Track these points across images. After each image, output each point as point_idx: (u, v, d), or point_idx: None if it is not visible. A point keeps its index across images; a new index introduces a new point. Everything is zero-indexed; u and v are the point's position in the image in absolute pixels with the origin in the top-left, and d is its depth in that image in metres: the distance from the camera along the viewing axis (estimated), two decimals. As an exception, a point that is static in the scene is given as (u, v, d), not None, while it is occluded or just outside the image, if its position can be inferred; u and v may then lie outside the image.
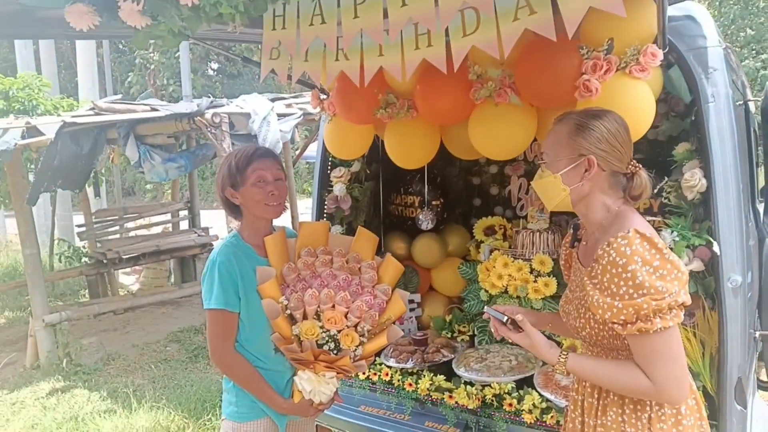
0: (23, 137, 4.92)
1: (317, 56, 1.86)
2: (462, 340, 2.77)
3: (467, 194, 3.33)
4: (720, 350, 1.84)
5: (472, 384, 2.36)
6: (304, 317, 1.96)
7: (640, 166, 1.49)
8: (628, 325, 1.32)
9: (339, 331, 1.94)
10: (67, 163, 4.83)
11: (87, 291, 7.82)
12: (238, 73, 21.46)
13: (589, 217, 1.51)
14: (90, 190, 7.46)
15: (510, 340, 1.58)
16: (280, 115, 4.47)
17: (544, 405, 2.17)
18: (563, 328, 1.71)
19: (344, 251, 2.14)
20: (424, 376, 2.47)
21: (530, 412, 2.18)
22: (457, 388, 2.37)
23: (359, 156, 2.48)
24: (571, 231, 1.75)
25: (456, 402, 2.34)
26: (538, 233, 2.66)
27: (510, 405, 2.24)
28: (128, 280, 9.11)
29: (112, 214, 8.26)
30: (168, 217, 8.87)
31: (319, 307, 1.97)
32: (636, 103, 1.74)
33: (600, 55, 1.72)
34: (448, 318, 2.88)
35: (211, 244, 8.27)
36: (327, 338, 1.92)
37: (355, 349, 1.94)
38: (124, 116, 4.33)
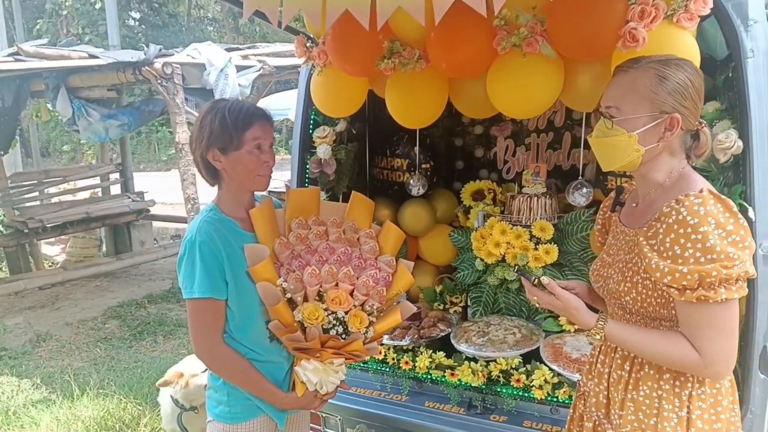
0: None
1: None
2: (454, 311, 2.62)
3: (449, 157, 3.14)
4: (747, 318, 1.76)
5: (475, 360, 2.22)
6: (305, 300, 1.72)
7: (704, 122, 1.36)
8: (688, 291, 1.21)
9: (346, 313, 1.72)
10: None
11: (5, 265, 7.10)
12: (164, 23, 19.94)
13: (649, 177, 1.38)
14: (14, 152, 6.65)
15: (540, 305, 1.48)
16: (238, 68, 4.04)
17: (555, 380, 2.06)
18: (594, 296, 1.59)
19: (339, 220, 1.91)
20: (422, 353, 2.30)
21: (541, 387, 2.07)
22: (459, 365, 2.22)
23: (352, 113, 2.21)
24: (614, 194, 1.60)
25: (459, 380, 2.19)
26: (535, 198, 2.51)
27: (518, 381, 2.12)
28: (52, 251, 8.40)
29: (30, 177, 7.46)
30: (96, 181, 8.18)
31: (321, 286, 1.74)
32: (683, 56, 1.57)
33: (648, 0, 1.54)
34: (438, 289, 2.72)
35: (148, 210, 7.72)
36: (334, 322, 1.70)
37: (366, 331, 1.74)
38: (55, 64, 3.74)
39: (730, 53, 1.74)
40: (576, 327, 2.28)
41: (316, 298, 1.73)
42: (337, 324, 1.70)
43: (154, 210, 7.96)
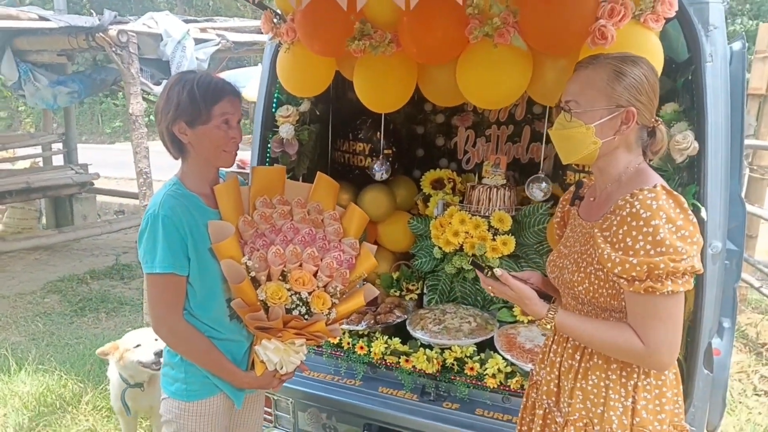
0: None
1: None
2: (410, 299, 2.63)
3: (410, 144, 3.13)
4: (694, 316, 1.83)
5: (430, 347, 2.24)
6: (268, 279, 1.70)
7: (660, 120, 1.41)
8: (636, 282, 1.26)
9: (309, 293, 1.71)
10: None
11: (-64, 233, 6.71)
12: (112, -9, 19.02)
13: (606, 171, 1.41)
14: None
15: (494, 295, 1.52)
16: (196, 41, 3.87)
17: (508, 369, 2.10)
18: (549, 286, 1.63)
19: (303, 200, 1.89)
20: (377, 338, 2.30)
21: (494, 376, 2.10)
22: (414, 352, 2.23)
23: (318, 93, 2.16)
24: (574, 188, 1.63)
25: (413, 366, 2.20)
26: (495, 189, 2.54)
27: (471, 369, 2.14)
28: (-12, 220, 7.95)
29: (-35, 144, 7.05)
30: (38, 150, 7.76)
31: (284, 266, 1.72)
32: (647, 56, 1.60)
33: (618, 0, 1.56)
34: (395, 275, 2.72)
35: (92, 183, 7.39)
36: (297, 302, 1.69)
37: (328, 312, 1.74)
38: (1, 23, 3.48)
39: (691, 56, 1.79)
40: (529, 318, 2.33)
41: (280, 278, 1.72)
42: (300, 304, 1.70)
43: (97, 184, 7.64)
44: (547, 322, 1.41)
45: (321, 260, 1.77)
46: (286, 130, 2.34)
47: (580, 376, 1.44)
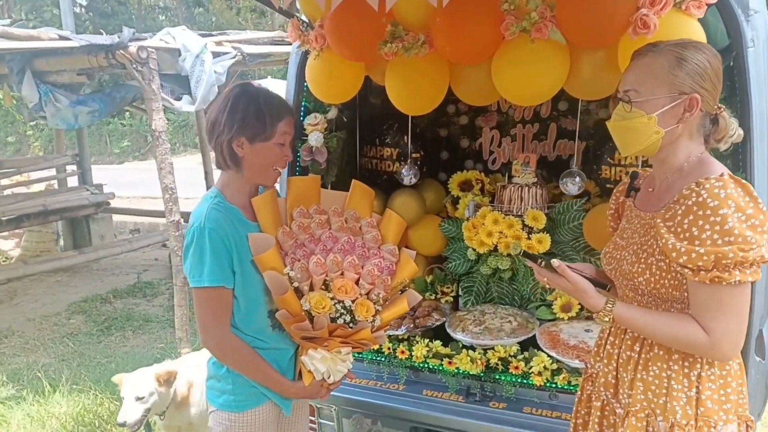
0: None
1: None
2: (446, 301, 2.61)
3: (434, 147, 3.12)
4: (745, 303, 1.80)
5: (472, 348, 2.21)
6: (311, 289, 1.69)
7: (723, 107, 1.38)
8: (702, 272, 1.23)
9: (353, 301, 1.70)
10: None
11: (-43, 259, 6.75)
12: (113, 11, 19.17)
13: (668, 161, 1.38)
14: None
15: (550, 286, 1.49)
16: (212, 54, 3.88)
17: (554, 366, 2.07)
18: (603, 278, 1.61)
19: (339, 209, 1.88)
20: (418, 342, 2.28)
21: (540, 374, 2.08)
22: (457, 354, 2.21)
23: (348, 99, 2.16)
24: (628, 180, 1.61)
25: (457, 368, 2.18)
26: (526, 188, 2.51)
27: (516, 368, 2.12)
28: (6, 245, 8.00)
29: (-20, 169, 7.11)
30: (52, 172, 7.82)
31: (326, 275, 1.71)
32: (691, 44, 1.58)
33: (659, -13, 1.54)
34: (429, 279, 2.70)
35: (108, 203, 7.44)
36: (341, 310, 1.68)
37: (373, 319, 1.72)
38: (21, 45, 3.50)
39: (731, 43, 1.76)
40: (570, 315, 2.30)
41: (322, 287, 1.71)
42: (345, 313, 1.69)
43: (111, 203, 7.69)
44: (604, 315, 1.38)
45: (362, 268, 1.76)
46: (315, 138, 2.33)
47: (640, 367, 1.41)
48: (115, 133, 17.89)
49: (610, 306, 1.37)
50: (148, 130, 20.73)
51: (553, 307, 2.38)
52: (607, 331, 1.56)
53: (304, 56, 2.20)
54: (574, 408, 1.66)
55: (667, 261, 1.31)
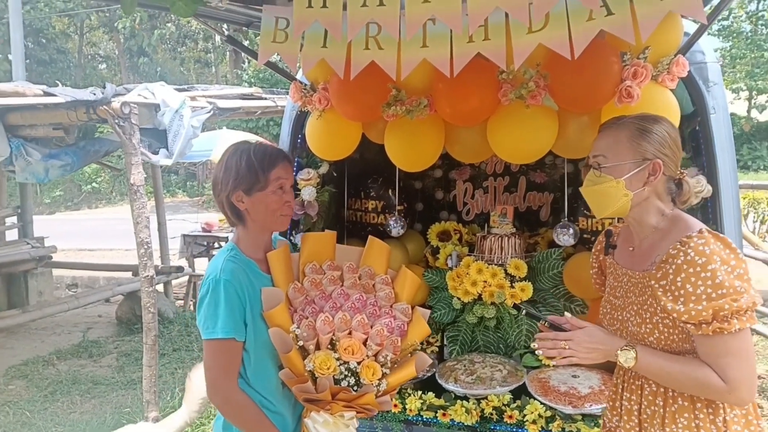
0: None
1: (337, 43, 1.63)
2: (432, 351, 2.65)
3: (410, 198, 3.22)
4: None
5: (466, 398, 2.25)
6: (317, 348, 1.67)
7: (685, 172, 1.52)
8: (704, 326, 1.32)
9: (359, 363, 1.66)
10: None
11: None
12: (51, 59, 18.74)
13: (643, 221, 1.50)
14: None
15: (560, 356, 1.50)
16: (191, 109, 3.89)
17: (548, 413, 2.14)
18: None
19: (354, 265, 1.89)
20: (410, 394, 2.30)
21: (534, 422, 2.13)
22: (451, 405, 2.24)
23: (346, 156, 2.24)
24: (604, 238, 1.73)
25: (452, 419, 2.21)
26: (506, 238, 2.64)
27: (511, 417, 2.17)
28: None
29: None
30: (-13, 226, 7.37)
31: (333, 334, 1.69)
32: (666, 111, 1.77)
33: (640, 62, 1.73)
34: (414, 330, 2.73)
35: (50, 257, 7.06)
36: (346, 372, 1.64)
37: (378, 383, 1.67)
38: (5, 101, 3.37)
39: (695, 110, 1.98)
40: (554, 361, 2.39)
41: (329, 346, 1.67)
42: (349, 375, 1.64)
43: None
44: (625, 355, 1.41)
45: (371, 327, 1.72)
46: (308, 193, 2.38)
47: (667, 421, 1.44)
48: (47, 183, 17.11)
49: (629, 346, 1.42)
50: (82, 180, 20.01)
51: (537, 354, 2.45)
52: (621, 385, 1.59)
53: (299, 115, 2.27)
54: None
55: (672, 317, 1.39)
